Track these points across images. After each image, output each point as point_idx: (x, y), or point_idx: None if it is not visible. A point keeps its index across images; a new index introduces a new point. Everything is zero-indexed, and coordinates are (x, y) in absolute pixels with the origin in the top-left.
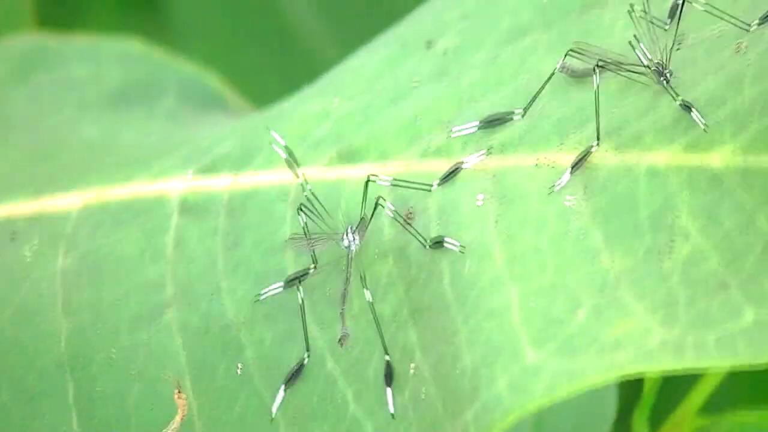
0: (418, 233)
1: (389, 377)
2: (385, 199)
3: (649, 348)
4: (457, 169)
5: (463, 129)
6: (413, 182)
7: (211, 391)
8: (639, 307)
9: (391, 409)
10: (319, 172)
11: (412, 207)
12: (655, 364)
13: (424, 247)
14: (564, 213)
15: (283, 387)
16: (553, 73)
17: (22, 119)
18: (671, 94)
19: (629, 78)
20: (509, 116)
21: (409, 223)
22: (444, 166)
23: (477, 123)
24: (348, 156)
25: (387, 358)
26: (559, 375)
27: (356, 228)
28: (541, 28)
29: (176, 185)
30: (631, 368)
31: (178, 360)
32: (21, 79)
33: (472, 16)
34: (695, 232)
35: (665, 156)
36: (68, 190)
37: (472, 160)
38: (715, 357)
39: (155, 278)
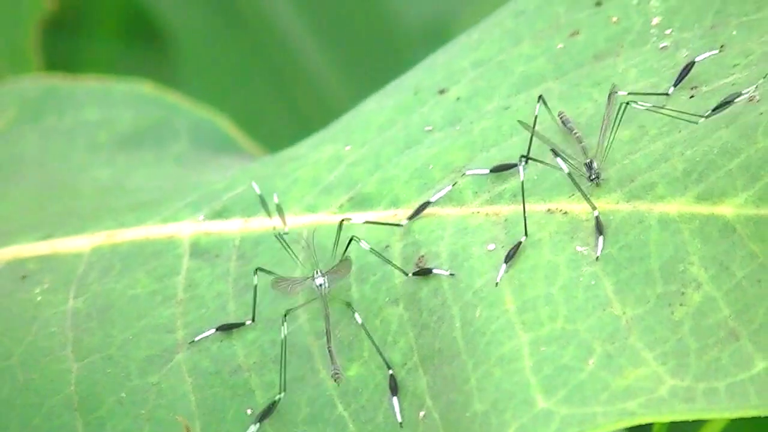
0: (396, 265)
1: (394, 388)
2: (359, 238)
3: (660, 396)
4: (425, 205)
5: (476, 171)
6: (385, 222)
7: None
8: (650, 356)
9: (399, 419)
10: (330, 217)
11: (424, 254)
12: (666, 413)
13: (405, 275)
14: (575, 260)
15: (255, 425)
16: (533, 126)
17: (33, 161)
18: (588, 201)
19: (561, 165)
20: (513, 164)
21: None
22: (457, 212)
23: (487, 170)
24: (360, 202)
25: (390, 372)
26: (570, 422)
27: (334, 268)
28: (553, 76)
29: (188, 228)
30: (642, 416)
31: (188, 402)
32: (32, 120)
33: (485, 64)
34: (706, 281)
35: (677, 205)
36: (79, 232)
37: (438, 195)
38: (725, 406)
39: (166, 321)
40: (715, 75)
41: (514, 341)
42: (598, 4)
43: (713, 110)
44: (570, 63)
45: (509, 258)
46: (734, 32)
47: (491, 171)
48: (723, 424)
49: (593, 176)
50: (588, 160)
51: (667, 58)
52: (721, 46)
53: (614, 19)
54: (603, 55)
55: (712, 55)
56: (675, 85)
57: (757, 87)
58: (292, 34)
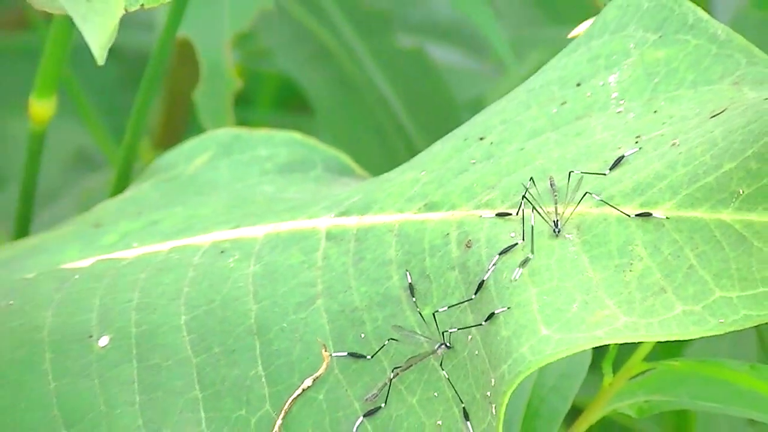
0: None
1: (466, 415)
2: (471, 239)
3: (617, 327)
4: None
5: (488, 214)
6: (504, 212)
7: (345, 350)
8: (611, 303)
9: (471, 431)
10: (412, 216)
11: (471, 239)
12: (620, 338)
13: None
14: (565, 243)
15: (361, 417)
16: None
17: (224, 182)
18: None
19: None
20: (509, 213)
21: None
22: (490, 213)
23: (494, 214)
24: (430, 206)
25: (463, 405)
26: (561, 343)
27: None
28: (550, 130)
29: (324, 222)
30: (605, 340)
31: (324, 330)
32: (225, 156)
33: (508, 122)
34: (646, 256)
35: (628, 209)
36: (255, 224)
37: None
38: (658, 333)
39: (310, 279)
40: (652, 129)
41: (526, 293)
42: (578, 84)
43: (610, 169)
44: (561, 121)
45: (503, 252)
46: (663, 102)
47: (496, 215)
48: (652, 345)
49: (556, 231)
50: (555, 220)
51: (621, 118)
52: (655, 111)
53: (588, 94)
54: (581, 116)
55: (634, 152)
56: (611, 169)
57: (676, 140)
58: (390, 102)
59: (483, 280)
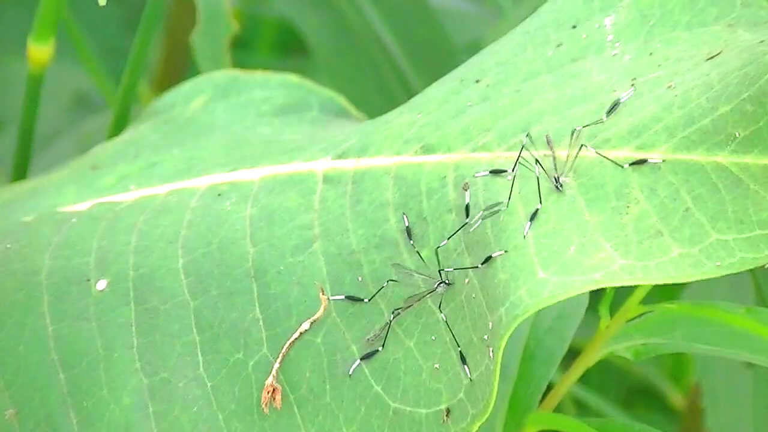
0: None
1: (464, 359)
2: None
3: (614, 270)
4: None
5: (481, 173)
6: (499, 170)
7: (342, 293)
8: (608, 245)
9: (468, 374)
10: (409, 158)
11: (468, 181)
12: (617, 281)
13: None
14: (562, 187)
15: (358, 360)
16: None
17: (221, 125)
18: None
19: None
20: (504, 170)
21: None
22: (487, 157)
23: (487, 172)
24: (427, 149)
25: (460, 348)
26: (558, 286)
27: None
28: (546, 72)
29: (321, 165)
30: (602, 283)
31: (321, 273)
32: (222, 98)
33: (504, 64)
34: (642, 199)
35: (623, 152)
36: (252, 167)
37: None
38: (655, 276)
39: (307, 222)
40: (647, 71)
41: (523, 236)
42: (574, 27)
43: (607, 114)
44: (556, 64)
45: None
46: (658, 45)
47: (490, 172)
48: (648, 288)
49: (558, 186)
50: (556, 176)
51: (616, 60)
52: (650, 53)
53: (583, 36)
54: (577, 59)
55: (630, 95)
56: (607, 115)
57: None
58: (388, 45)
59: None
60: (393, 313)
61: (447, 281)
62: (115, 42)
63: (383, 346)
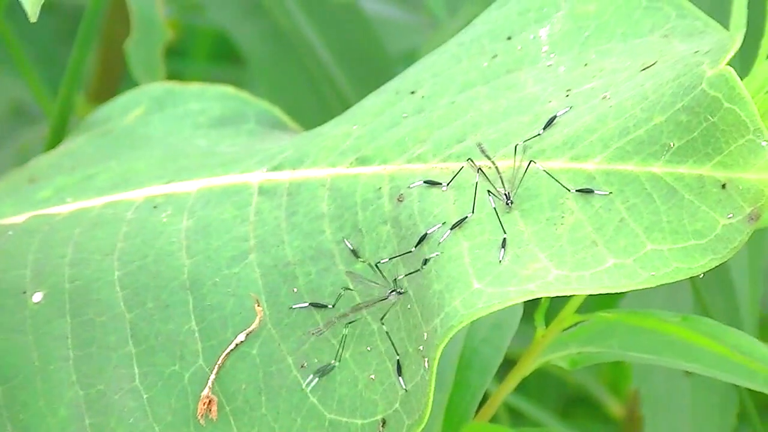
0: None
1: (399, 369)
2: (410, 189)
3: (549, 281)
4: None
5: (416, 184)
6: (434, 182)
7: (278, 304)
8: (542, 256)
9: (404, 385)
10: (344, 170)
11: (402, 193)
12: (552, 291)
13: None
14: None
15: (311, 377)
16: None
17: (158, 136)
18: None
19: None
20: (439, 183)
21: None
22: (422, 168)
23: (422, 182)
24: (362, 160)
25: (397, 357)
26: (493, 297)
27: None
28: (481, 83)
29: (256, 177)
30: (537, 293)
31: (257, 285)
32: (158, 110)
33: (439, 75)
34: (577, 210)
35: (558, 163)
36: (188, 179)
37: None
38: (590, 286)
39: (243, 234)
40: (582, 82)
41: (458, 246)
42: (509, 38)
43: (544, 128)
44: (492, 75)
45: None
46: (593, 56)
47: (424, 182)
48: (584, 297)
49: (508, 202)
50: (506, 191)
51: (551, 71)
52: (585, 64)
53: (518, 47)
54: (512, 70)
55: (566, 112)
56: (544, 129)
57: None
58: (323, 56)
59: (426, 234)
60: (343, 311)
61: (400, 290)
62: (53, 52)
63: (337, 359)
